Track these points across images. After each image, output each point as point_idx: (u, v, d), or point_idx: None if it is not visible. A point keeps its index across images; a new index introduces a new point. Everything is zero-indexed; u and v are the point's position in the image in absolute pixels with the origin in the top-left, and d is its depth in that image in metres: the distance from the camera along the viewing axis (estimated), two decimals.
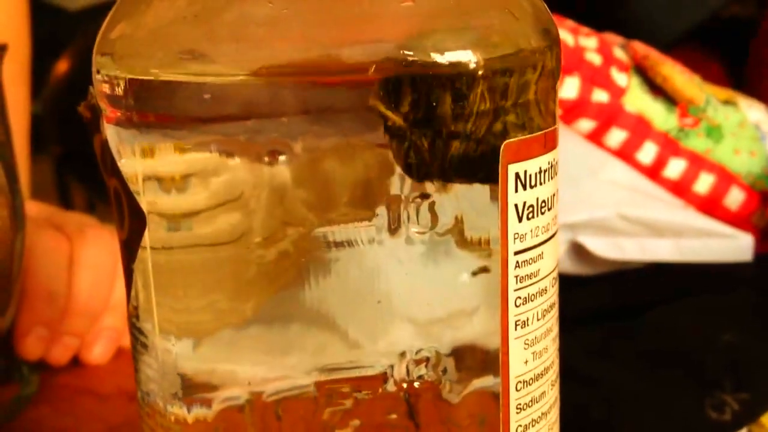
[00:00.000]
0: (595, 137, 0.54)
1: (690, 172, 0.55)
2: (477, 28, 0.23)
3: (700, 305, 0.47)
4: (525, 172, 0.23)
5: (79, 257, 0.47)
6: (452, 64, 0.22)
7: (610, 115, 0.54)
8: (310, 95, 0.22)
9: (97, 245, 0.48)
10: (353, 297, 0.23)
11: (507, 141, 0.23)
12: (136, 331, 0.25)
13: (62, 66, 1.00)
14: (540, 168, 0.24)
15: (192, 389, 0.25)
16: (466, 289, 0.24)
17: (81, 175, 1.03)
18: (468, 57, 0.22)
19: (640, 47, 0.58)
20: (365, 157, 0.23)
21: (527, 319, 0.24)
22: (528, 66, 0.23)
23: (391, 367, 0.24)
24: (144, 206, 0.23)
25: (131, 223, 0.24)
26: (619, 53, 0.57)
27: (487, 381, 0.25)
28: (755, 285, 0.49)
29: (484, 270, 0.24)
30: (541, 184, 0.24)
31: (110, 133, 0.24)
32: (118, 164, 0.24)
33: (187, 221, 0.24)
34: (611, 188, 0.51)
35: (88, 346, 0.48)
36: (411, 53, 0.22)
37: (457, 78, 0.22)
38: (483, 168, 0.23)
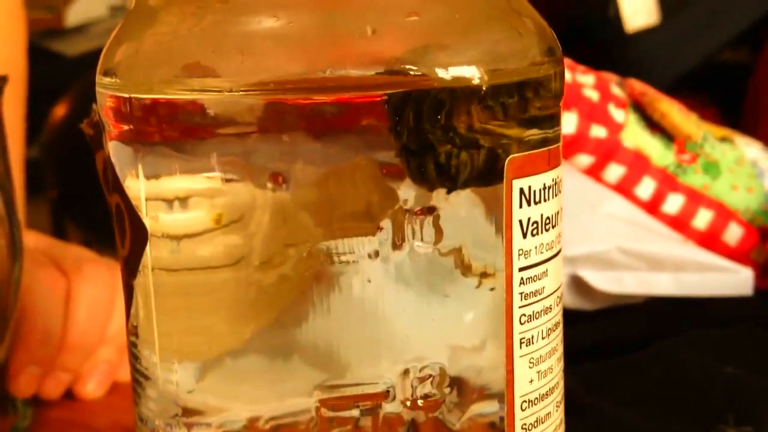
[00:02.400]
0: (594, 172, 0.54)
1: (688, 207, 0.55)
2: (481, 44, 0.23)
3: (700, 339, 0.47)
4: (529, 188, 0.23)
5: (76, 293, 0.47)
6: (456, 79, 0.22)
7: (608, 151, 0.54)
8: (314, 111, 0.22)
9: (94, 280, 0.48)
10: (356, 313, 0.23)
11: (511, 156, 0.23)
12: (134, 350, 0.25)
13: (60, 110, 1.01)
14: (544, 184, 0.24)
15: (191, 412, 0.24)
16: (470, 307, 0.24)
17: (77, 219, 1.03)
18: (472, 72, 0.22)
19: (637, 84, 0.58)
20: (369, 172, 0.23)
21: (532, 337, 0.24)
22: (532, 82, 0.23)
23: (394, 385, 0.23)
24: (147, 224, 0.23)
25: (133, 240, 0.23)
26: (616, 90, 0.57)
27: (489, 406, 0.24)
28: (756, 319, 0.49)
29: (489, 287, 0.23)
30: (545, 200, 0.24)
31: (113, 149, 0.24)
32: (121, 181, 0.24)
33: (189, 242, 0.24)
34: (611, 222, 0.51)
35: (83, 380, 0.48)
36: (415, 68, 0.22)
37: (461, 93, 0.22)
38: (487, 183, 0.23)
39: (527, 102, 0.23)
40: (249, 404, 0.24)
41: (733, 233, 0.55)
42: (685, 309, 0.51)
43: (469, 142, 0.22)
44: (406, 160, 0.23)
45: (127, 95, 0.22)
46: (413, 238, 0.23)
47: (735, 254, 0.55)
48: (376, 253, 0.23)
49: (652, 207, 0.55)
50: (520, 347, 0.24)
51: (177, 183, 0.23)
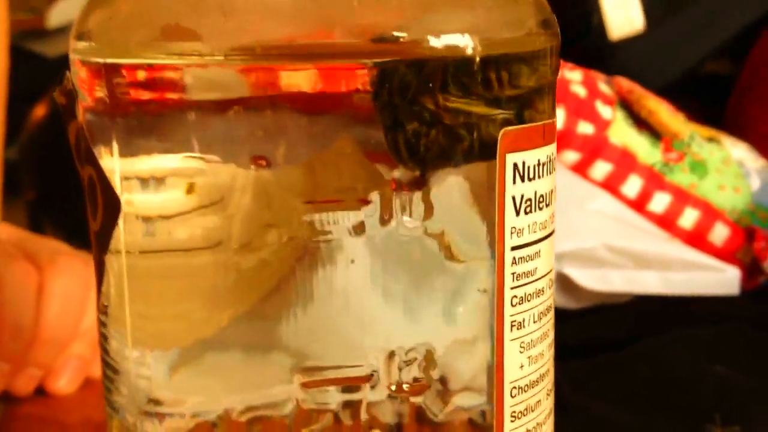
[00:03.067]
0: (581, 169, 0.53)
1: (675, 206, 0.54)
2: (476, 11, 0.22)
3: (688, 337, 0.46)
4: (523, 163, 0.22)
5: (49, 287, 0.46)
6: (449, 48, 0.21)
7: (594, 147, 0.53)
8: (298, 80, 0.21)
9: (68, 274, 0.47)
10: (340, 294, 0.22)
11: (505, 129, 0.22)
12: (104, 329, 0.24)
13: (39, 112, 1.00)
14: (539, 160, 0.23)
15: (164, 402, 0.23)
16: (459, 287, 0.23)
17: (55, 220, 1.02)
18: (465, 41, 0.21)
19: (625, 82, 0.58)
20: (356, 145, 0.22)
21: (523, 320, 0.23)
22: (527, 53, 0.22)
23: (379, 369, 0.22)
24: (121, 200, 0.22)
25: (105, 214, 0.22)
26: (603, 87, 0.56)
27: (476, 396, 0.23)
28: (743, 317, 0.48)
29: (479, 267, 0.22)
30: (539, 177, 0.23)
31: (87, 119, 0.22)
32: (94, 153, 0.22)
33: (164, 224, 0.23)
34: (598, 219, 0.50)
35: (55, 375, 0.47)
36: (406, 35, 0.21)
37: (453, 62, 0.21)
38: (480, 159, 0.22)
39: (521, 73, 0.22)
40: (224, 393, 0.23)
41: (720, 233, 0.55)
42: (671, 308, 0.50)
43: (461, 113, 0.21)
44: (392, 135, 0.22)
45: (101, 60, 0.21)
46: (401, 213, 0.22)
47: (721, 254, 0.55)
48: (362, 229, 0.22)
49: (639, 205, 0.54)
50: (511, 330, 0.23)
51: (153, 159, 0.22)
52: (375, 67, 0.21)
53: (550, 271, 0.24)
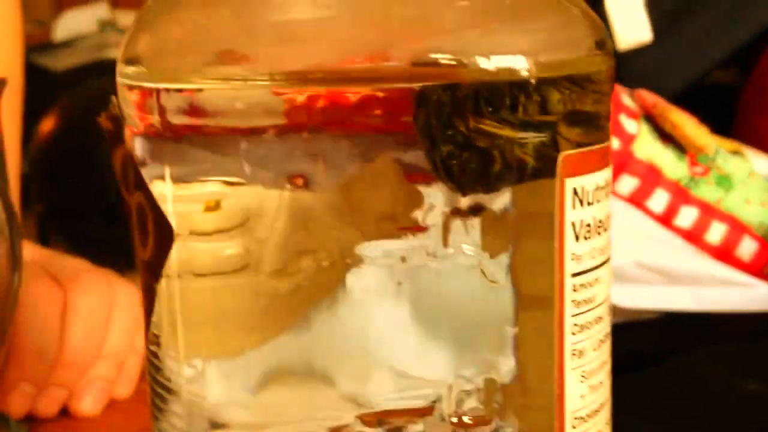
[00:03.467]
0: None
1: (702, 221, 0.54)
2: (531, 32, 0.21)
3: (719, 354, 0.46)
4: (583, 188, 0.22)
5: (73, 306, 0.46)
6: (504, 71, 0.21)
7: (620, 162, 0.53)
8: (352, 103, 0.21)
9: (92, 292, 0.47)
10: (397, 321, 0.21)
11: (565, 153, 0.21)
12: (155, 360, 0.23)
13: (47, 125, 1.00)
14: (597, 185, 0.22)
15: (220, 427, 0.23)
16: (515, 314, 0.22)
17: (64, 233, 1.02)
18: (521, 63, 0.21)
19: (648, 95, 0.57)
20: (397, 167, 0.21)
21: (583, 349, 0.22)
22: (584, 74, 0.22)
23: (439, 398, 0.22)
24: (173, 224, 0.22)
25: (157, 241, 0.22)
26: (627, 101, 0.56)
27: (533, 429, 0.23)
28: None
29: (539, 294, 0.22)
30: (597, 201, 0.22)
31: (138, 145, 0.22)
32: (145, 178, 0.22)
33: (218, 244, 0.22)
34: (627, 236, 0.50)
35: (78, 396, 0.46)
36: (461, 59, 0.20)
37: (509, 85, 0.21)
38: (537, 182, 0.21)
39: (579, 95, 0.22)
40: (280, 424, 0.22)
41: (747, 248, 0.54)
42: (701, 324, 0.49)
43: (517, 138, 0.21)
44: (439, 161, 0.21)
45: (153, 85, 0.21)
46: (455, 240, 0.21)
47: (749, 269, 0.54)
48: (424, 253, 0.21)
49: (665, 220, 0.53)
50: (572, 359, 0.22)
51: (206, 181, 0.21)
52: (416, 92, 0.20)
53: (608, 297, 0.24)
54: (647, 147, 0.54)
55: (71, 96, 1.01)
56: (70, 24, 1.63)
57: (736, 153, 0.58)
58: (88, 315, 0.46)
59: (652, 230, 0.51)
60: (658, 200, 0.53)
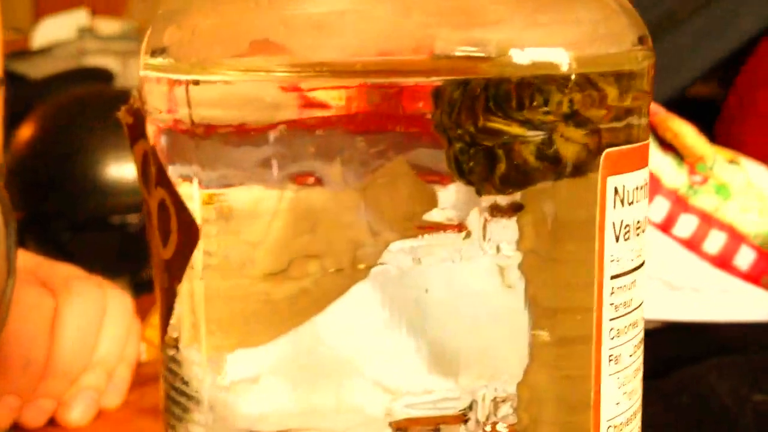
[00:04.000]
0: None
1: (701, 230, 0.53)
2: (572, 26, 0.21)
3: (725, 365, 0.45)
4: (623, 186, 0.21)
5: (63, 314, 0.45)
6: (537, 65, 0.20)
7: None
8: (389, 96, 0.20)
9: (82, 299, 0.46)
10: (432, 323, 0.21)
11: (607, 151, 0.21)
12: (173, 366, 0.22)
13: (25, 132, 0.99)
14: (636, 184, 0.21)
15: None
16: (551, 319, 0.21)
17: (41, 239, 1.01)
18: (562, 57, 0.20)
19: None
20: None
21: (620, 355, 0.22)
22: (626, 70, 0.21)
23: (472, 405, 0.21)
24: (199, 224, 0.20)
25: (180, 240, 0.21)
26: None
27: None
28: None
29: (576, 297, 0.21)
30: (637, 201, 0.21)
31: (163, 140, 0.21)
32: (169, 174, 0.21)
33: (248, 244, 0.21)
34: None
35: (67, 407, 0.45)
36: (498, 52, 0.20)
37: (550, 79, 0.20)
38: (577, 180, 0.21)
39: (620, 91, 0.21)
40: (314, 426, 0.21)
41: (745, 257, 0.54)
42: (704, 334, 0.49)
43: (559, 133, 0.20)
44: (469, 159, 0.20)
45: (182, 77, 0.20)
46: (492, 242, 0.21)
47: (747, 279, 0.54)
48: (458, 252, 0.20)
49: (664, 229, 0.53)
50: (609, 364, 0.21)
51: (237, 179, 0.20)
52: (440, 86, 0.19)
53: (643, 302, 0.23)
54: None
55: (49, 103, 1.00)
56: (48, 31, 1.61)
57: (732, 162, 0.58)
58: (79, 323, 0.45)
59: (651, 238, 0.51)
60: (658, 208, 0.53)
